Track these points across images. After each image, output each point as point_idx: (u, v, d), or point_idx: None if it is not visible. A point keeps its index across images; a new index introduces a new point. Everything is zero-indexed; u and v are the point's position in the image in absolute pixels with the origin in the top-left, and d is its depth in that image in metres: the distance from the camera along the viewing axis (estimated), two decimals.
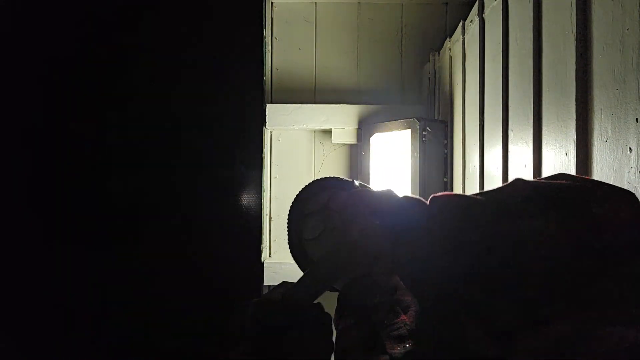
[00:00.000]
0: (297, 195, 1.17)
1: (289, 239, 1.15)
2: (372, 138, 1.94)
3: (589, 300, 0.52)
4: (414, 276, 0.63)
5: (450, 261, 0.59)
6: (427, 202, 0.69)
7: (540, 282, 0.53)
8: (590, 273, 0.52)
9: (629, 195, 0.57)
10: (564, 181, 0.61)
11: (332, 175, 1.22)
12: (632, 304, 0.52)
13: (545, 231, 0.54)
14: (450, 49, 1.82)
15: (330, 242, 1.02)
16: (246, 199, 1.97)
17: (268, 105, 2.02)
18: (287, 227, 1.15)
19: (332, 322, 0.78)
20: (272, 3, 2.12)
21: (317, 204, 1.08)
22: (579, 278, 0.52)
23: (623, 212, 0.54)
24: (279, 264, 2.02)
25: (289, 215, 1.16)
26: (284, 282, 0.91)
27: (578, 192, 0.58)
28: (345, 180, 1.17)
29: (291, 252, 1.15)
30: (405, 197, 0.73)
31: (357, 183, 1.17)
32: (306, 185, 1.17)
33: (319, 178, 1.19)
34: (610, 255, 0.52)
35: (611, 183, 0.76)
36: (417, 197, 0.73)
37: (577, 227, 0.54)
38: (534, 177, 1.03)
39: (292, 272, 2.04)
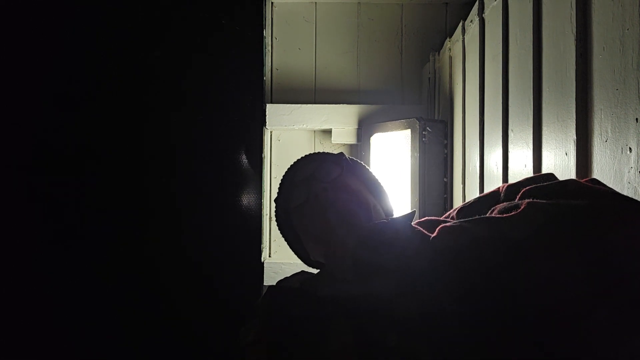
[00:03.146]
0: (286, 170, 1.17)
1: (276, 209, 1.14)
2: (372, 138, 1.94)
3: (596, 324, 0.51)
4: (425, 325, 0.60)
5: (460, 306, 0.57)
6: (431, 236, 0.66)
7: (559, 321, 0.53)
8: (600, 300, 0.51)
9: None
10: (578, 201, 0.58)
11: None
12: None
13: (564, 272, 0.53)
14: (450, 49, 1.82)
15: (311, 212, 1.02)
16: (246, 199, 1.97)
17: (268, 105, 2.02)
18: (275, 199, 1.15)
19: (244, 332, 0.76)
20: (272, 3, 2.12)
21: (303, 174, 1.10)
22: (590, 305, 0.52)
23: (638, 236, 0.53)
24: (279, 264, 2.02)
25: (278, 187, 1.16)
26: (302, 271, 0.89)
27: (593, 218, 0.55)
28: (333, 154, 1.17)
29: (277, 221, 1.15)
30: (410, 229, 0.71)
31: (347, 157, 1.17)
32: (295, 161, 1.17)
33: (307, 154, 1.19)
34: (624, 280, 0.51)
35: (611, 183, 0.76)
36: (420, 229, 0.71)
37: (595, 263, 0.52)
38: None
39: (293, 272, 2.03)
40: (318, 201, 1.01)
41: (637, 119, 0.70)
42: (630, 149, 0.71)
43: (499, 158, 1.24)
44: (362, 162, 1.23)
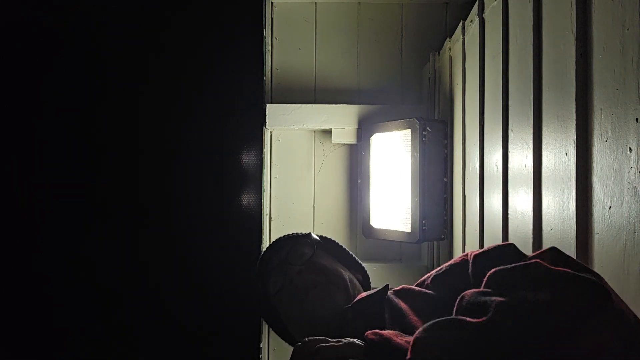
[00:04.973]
0: (260, 257, 1.26)
1: (256, 301, 1.23)
2: (372, 138, 1.94)
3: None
4: None
5: None
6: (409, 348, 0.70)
7: None
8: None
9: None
10: (543, 294, 0.63)
11: (301, 233, 1.31)
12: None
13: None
14: (450, 49, 1.82)
15: (290, 297, 1.09)
16: (246, 199, 1.97)
17: (268, 105, 2.02)
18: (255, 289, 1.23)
19: None
20: (272, 3, 2.12)
21: (277, 260, 1.17)
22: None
23: (604, 325, 0.60)
24: None
25: (256, 276, 1.24)
26: None
27: (561, 318, 0.61)
28: (302, 235, 1.26)
29: (261, 312, 1.24)
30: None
31: (314, 236, 1.25)
32: (267, 247, 1.26)
33: (278, 238, 1.29)
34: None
35: (611, 183, 0.76)
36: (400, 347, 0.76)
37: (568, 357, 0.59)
38: (534, 177, 1.03)
39: None
40: (294, 286, 1.07)
41: (637, 119, 0.70)
42: (630, 149, 0.71)
43: (499, 158, 1.24)
44: (331, 238, 1.31)
